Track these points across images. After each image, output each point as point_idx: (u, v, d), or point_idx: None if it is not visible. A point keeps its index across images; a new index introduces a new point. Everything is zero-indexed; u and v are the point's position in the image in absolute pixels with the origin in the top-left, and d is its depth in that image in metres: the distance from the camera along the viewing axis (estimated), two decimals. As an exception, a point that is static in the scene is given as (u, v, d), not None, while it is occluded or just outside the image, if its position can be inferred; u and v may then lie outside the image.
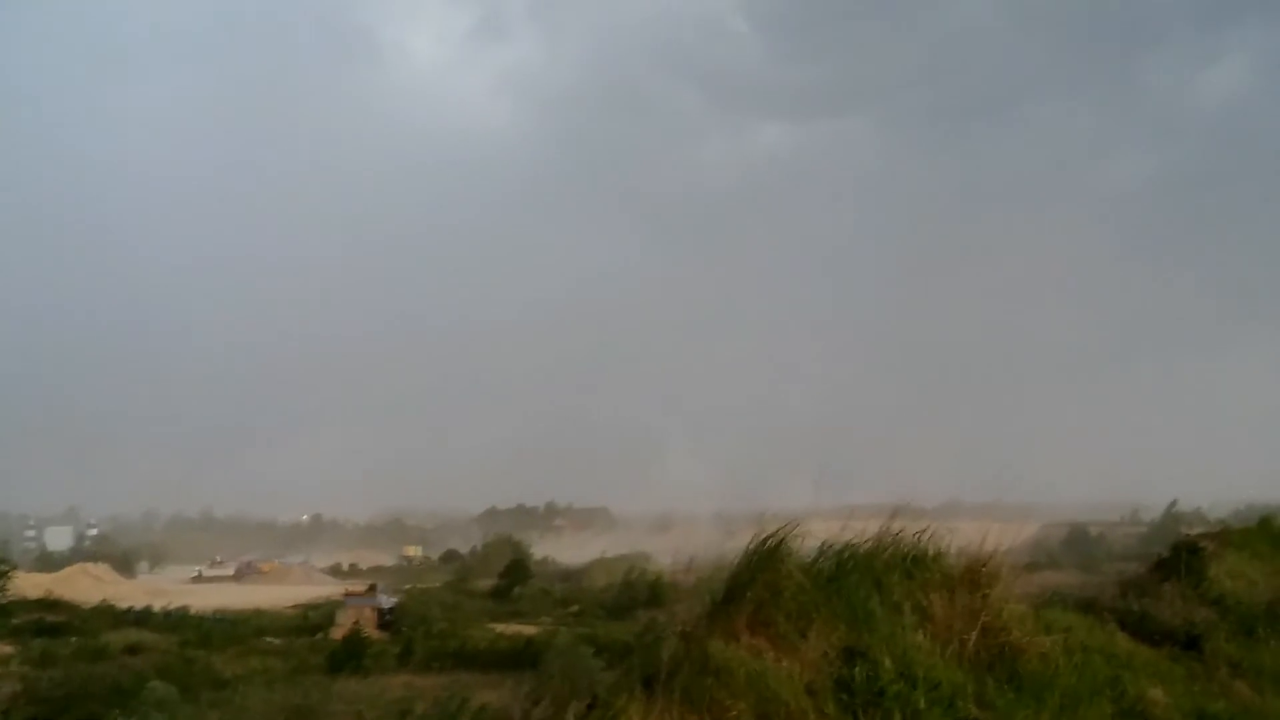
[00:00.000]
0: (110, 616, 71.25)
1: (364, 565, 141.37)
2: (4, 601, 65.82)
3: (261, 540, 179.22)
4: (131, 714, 33.68)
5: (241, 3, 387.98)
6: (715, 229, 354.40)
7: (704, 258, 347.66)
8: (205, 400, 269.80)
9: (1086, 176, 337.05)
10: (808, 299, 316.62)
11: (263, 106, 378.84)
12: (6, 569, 69.66)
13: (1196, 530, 20.86)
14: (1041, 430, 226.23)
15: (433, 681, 42.98)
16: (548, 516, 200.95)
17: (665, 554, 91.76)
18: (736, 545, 7.72)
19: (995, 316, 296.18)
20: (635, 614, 58.90)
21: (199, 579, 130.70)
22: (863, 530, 8.16)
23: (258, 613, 79.40)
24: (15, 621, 63.86)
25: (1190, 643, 10.93)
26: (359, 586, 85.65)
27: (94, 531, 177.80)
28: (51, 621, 65.08)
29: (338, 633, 58.89)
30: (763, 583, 7.30)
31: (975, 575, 8.24)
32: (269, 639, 62.25)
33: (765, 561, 7.40)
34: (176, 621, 69.91)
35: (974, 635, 7.69)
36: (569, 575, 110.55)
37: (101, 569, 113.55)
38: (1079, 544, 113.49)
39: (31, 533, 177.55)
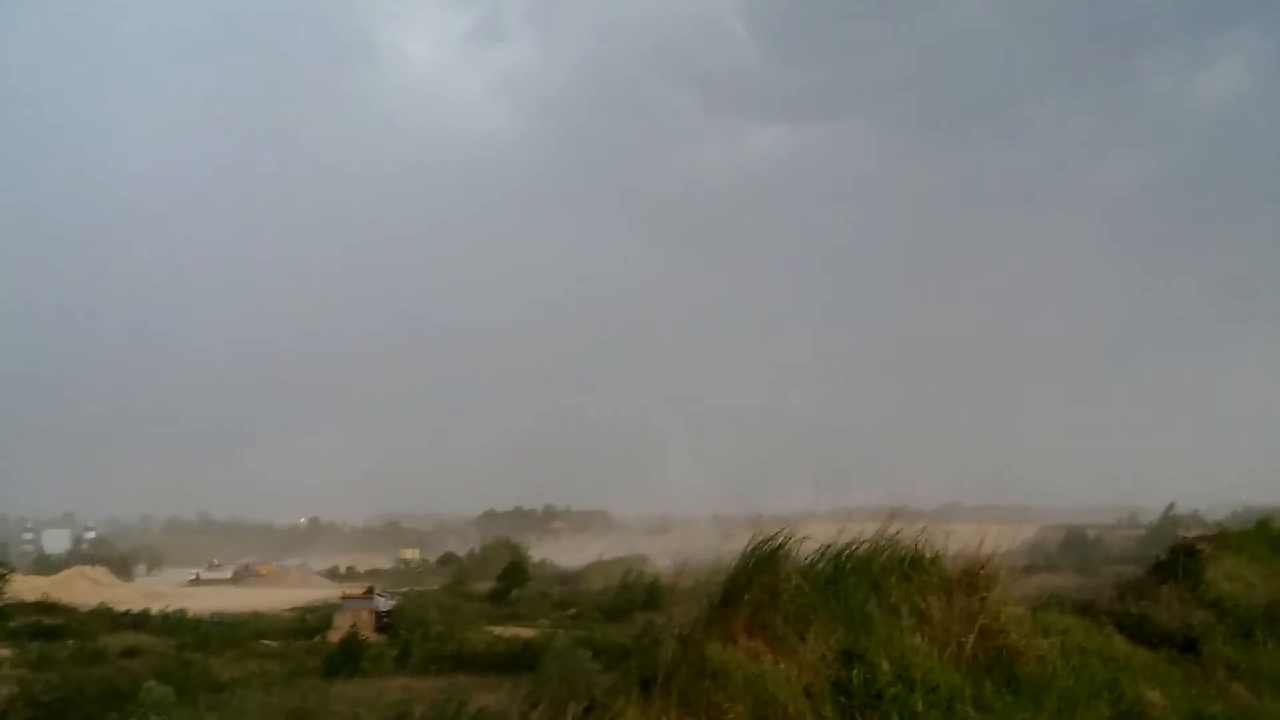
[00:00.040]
0: (108, 619, 71.07)
1: (361, 568, 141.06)
2: (1, 604, 65.75)
3: (259, 543, 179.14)
4: (128, 717, 33.64)
5: (240, 4, 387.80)
6: (713, 231, 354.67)
7: (702, 259, 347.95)
8: (203, 402, 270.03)
9: (1084, 178, 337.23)
10: (806, 301, 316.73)
11: (261, 108, 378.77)
12: (4, 572, 69.61)
13: (1194, 533, 20.88)
14: (1039, 432, 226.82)
15: (430, 684, 42.88)
16: (545, 519, 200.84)
17: (664, 556, 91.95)
18: (734, 547, 7.73)
19: (993, 318, 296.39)
20: (633, 616, 58.82)
21: (196, 582, 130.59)
22: (861, 532, 8.17)
23: (255, 615, 79.29)
24: (12, 624, 63.72)
25: (1188, 645, 10.94)
26: (356, 589, 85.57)
27: (91, 534, 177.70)
28: (49, 624, 64.94)
29: (335, 635, 58.78)
30: (760, 585, 7.30)
31: (973, 578, 8.25)
32: (266, 642, 62.14)
33: (763, 564, 7.41)
34: (174, 624, 69.82)
35: (972, 638, 7.70)
36: (567, 578, 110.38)
37: (99, 572, 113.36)
38: (1076, 546, 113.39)
39: (29, 535, 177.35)
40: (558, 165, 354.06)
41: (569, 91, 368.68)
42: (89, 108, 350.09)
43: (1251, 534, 16.16)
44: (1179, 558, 13.74)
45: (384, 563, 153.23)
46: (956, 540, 8.81)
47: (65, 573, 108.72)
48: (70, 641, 57.69)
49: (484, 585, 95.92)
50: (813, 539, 7.89)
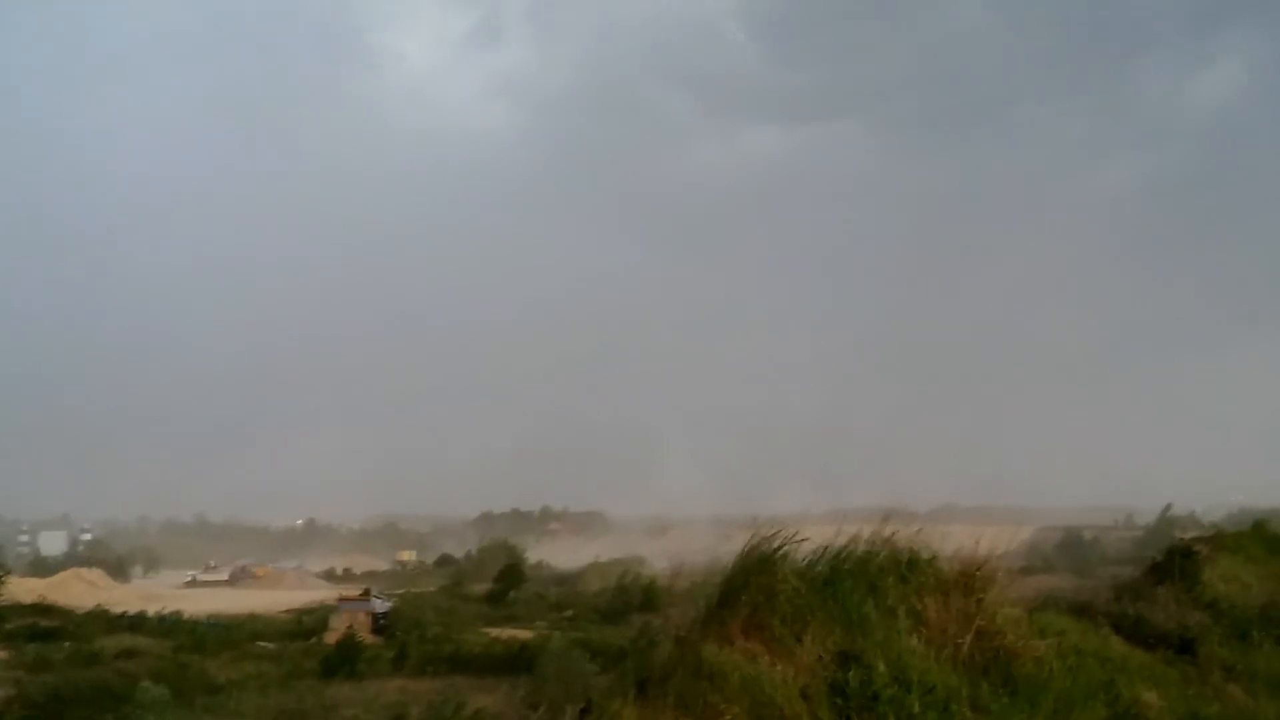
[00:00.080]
0: (104, 621, 70.95)
1: (358, 570, 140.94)
2: (-3, 606, 65.73)
3: (255, 545, 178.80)
4: (125, 718, 33.61)
5: (238, 5, 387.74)
6: (711, 231, 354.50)
7: (700, 260, 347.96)
8: (199, 404, 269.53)
9: (1082, 178, 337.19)
10: (804, 302, 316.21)
11: (259, 108, 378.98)
12: (0, 574, 69.50)
13: (1190, 534, 20.88)
14: (1037, 433, 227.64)
15: (427, 686, 42.85)
16: (542, 520, 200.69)
17: (661, 558, 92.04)
18: (732, 548, 7.73)
19: (991, 319, 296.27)
20: (629, 618, 58.78)
21: (193, 584, 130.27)
22: (858, 533, 8.17)
23: (252, 617, 79.20)
24: (8, 626, 63.64)
25: (1184, 646, 10.96)
26: (353, 591, 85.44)
27: (87, 536, 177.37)
28: (45, 626, 64.84)
29: (332, 637, 58.72)
30: (757, 587, 7.31)
31: (969, 579, 8.26)
32: (263, 644, 62.04)
33: (760, 565, 7.41)
34: (170, 626, 69.70)
35: (968, 639, 7.70)
36: (564, 579, 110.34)
37: (95, 574, 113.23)
38: (1073, 548, 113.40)
39: (25, 537, 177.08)
40: (555, 166, 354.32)
41: (567, 92, 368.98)
42: (88, 108, 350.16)
43: (1247, 535, 16.19)
44: (1175, 559, 13.76)
45: (381, 564, 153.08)
46: (953, 541, 8.82)
47: (61, 575, 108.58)
48: (66, 643, 57.59)
49: (481, 587, 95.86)
50: (810, 540, 7.89)
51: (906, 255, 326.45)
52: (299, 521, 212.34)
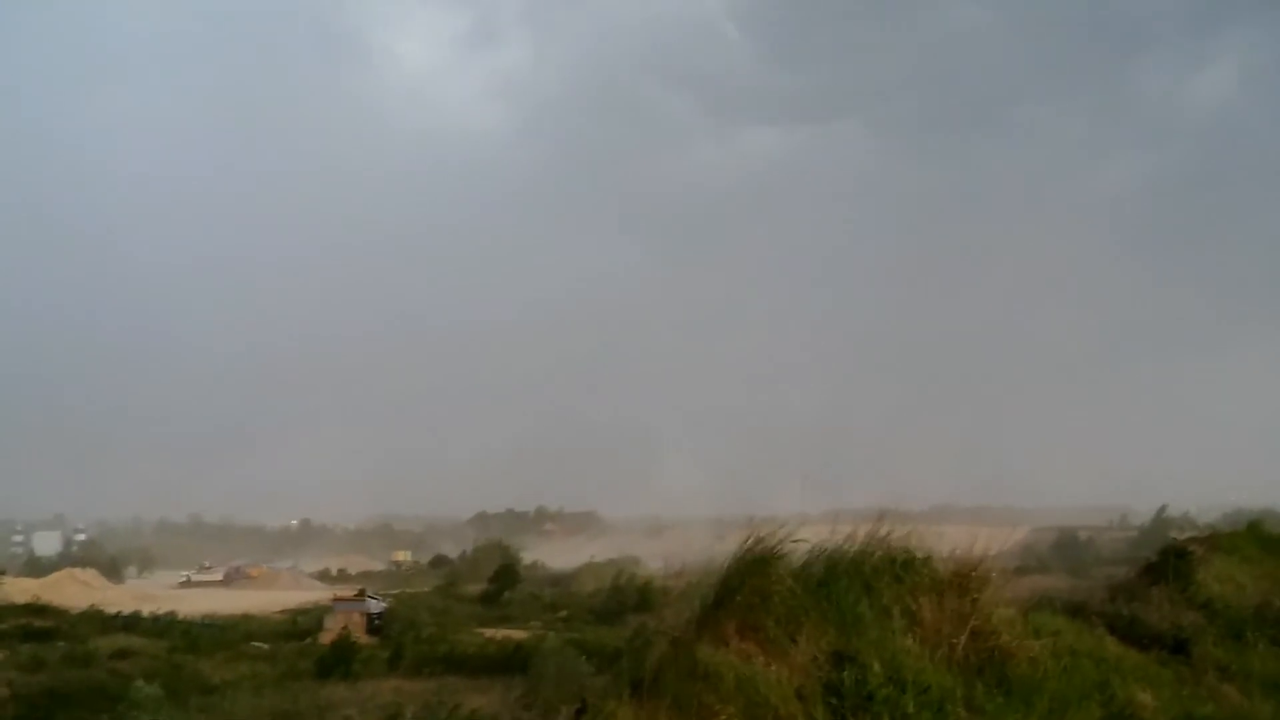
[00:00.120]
0: (98, 622, 70.88)
1: (353, 570, 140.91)
2: (-9, 606, 65.65)
3: (250, 545, 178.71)
4: (119, 719, 33.56)
5: (235, 6, 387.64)
6: (708, 232, 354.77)
7: (698, 261, 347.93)
8: (194, 404, 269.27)
9: (1081, 179, 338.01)
10: (801, 302, 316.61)
11: (257, 109, 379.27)
12: (-6, 574, 69.51)
13: (1185, 535, 20.91)
14: (1035, 434, 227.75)
15: (422, 686, 42.81)
16: (538, 521, 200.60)
17: (656, 558, 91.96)
18: (727, 549, 7.71)
19: (989, 319, 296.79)
20: (624, 619, 58.78)
21: (187, 584, 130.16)
22: (853, 534, 8.16)
23: (246, 618, 79.18)
24: (3, 627, 63.60)
25: (1179, 647, 10.95)
26: (348, 591, 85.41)
27: (82, 536, 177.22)
28: (39, 626, 64.76)
29: (326, 638, 58.67)
30: (752, 587, 7.30)
31: (964, 579, 8.25)
32: (257, 644, 62.00)
33: (755, 566, 7.40)
34: (165, 627, 69.66)
35: (963, 639, 7.70)
36: (558, 580, 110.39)
37: (89, 574, 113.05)
38: (1068, 548, 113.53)
39: (19, 537, 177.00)
40: (554, 166, 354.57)
41: (565, 93, 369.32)
42: (88, 108, 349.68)
43: (1242, 536, 16.19)
44: (1170, 559, 13.76)
45: (376, 565, 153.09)
46: (948, 542, 8.81)
47: (55, 575, 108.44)
48: (61, 644, 57.48)
49: (475, 587, 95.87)
50: (806, 540, 7.88)
51: (905, 255, 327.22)
52: (294, 522, 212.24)
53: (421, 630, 62.89)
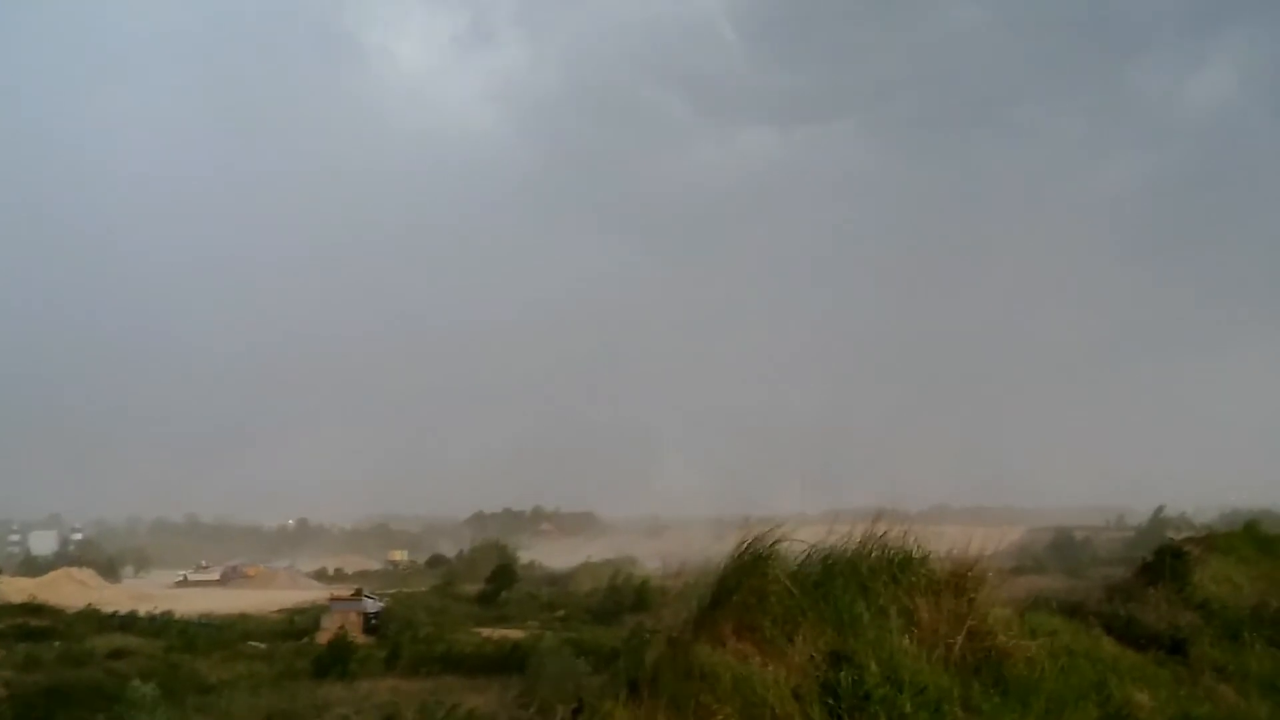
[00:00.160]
0: (95, 621, 70.91)
1: (350, 570, 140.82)
2: (-12, 606, 65.65)
3: (247, 545, 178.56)
4: (116, 718, 33.56)
5: (232, 6, 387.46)
6: (707, 232, 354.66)
7: (696, 261, 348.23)
8: (191, 404, 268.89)
9: (1080, 179, 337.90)
10: (800, 303, 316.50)
11: (255, 109, 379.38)
12: (-10, 573, 69.52)
13: (1182, 535, 20.92)
14: (1031, 434, 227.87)
15: (419, 686, 42.89)
16: (535, 521, 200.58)
17: (654, 558, 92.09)
18: (725, 549, 7.72)
19: (988, 319, 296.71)
20: (621, 618, 58.89)
21: (184, 583, 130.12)
22: (850, 534, 8.17)
23: (243, 617, 79.18)
24: (-1, 626, 63.66)
25: (1175, 647, 10.96)
26: (345, 591, 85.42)
27: (78, 536, 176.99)
28: (36, 626, 64.79)
29: (323, 637, 58.70)
30: (749, 587, 7.30)
31: (961, 580, 8.25)
32: (254, 644, 62.03)
33: (752, 566, 7.41)
34: (161, 626, 69.67)
35: (960, 639, 7.70)
36: (555, 579, 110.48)
37: (86, 573, 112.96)
38: (1064, 548, 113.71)
39: (15, 537, 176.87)
40: (551, 167, 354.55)
41: (562, 94, 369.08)
42: (86, 108, 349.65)
43: (1239, 536, 16.21)
44: (1166, 560, 13.77)
45: (372, 564, 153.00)
46: (945, 542, 8.81)
47: (52, 574, 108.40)
48: (57, 643, 57.52)
49: (473, 587, 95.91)
50: (803, 540, 7.88)
51: (904, 256, 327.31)
52: (291, 521, 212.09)
53: (418, 630, 62.94)
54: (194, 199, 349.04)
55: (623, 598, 70.60)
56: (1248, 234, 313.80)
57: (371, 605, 71.40)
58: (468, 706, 33.07)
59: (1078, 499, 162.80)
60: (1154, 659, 10.61)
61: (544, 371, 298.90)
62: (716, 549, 8.17)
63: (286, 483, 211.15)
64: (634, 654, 6.99)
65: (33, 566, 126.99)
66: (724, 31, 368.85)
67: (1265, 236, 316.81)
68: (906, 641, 7.46)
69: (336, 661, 48.64)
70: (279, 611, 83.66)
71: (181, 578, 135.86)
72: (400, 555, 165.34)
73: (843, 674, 6.87)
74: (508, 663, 45.27)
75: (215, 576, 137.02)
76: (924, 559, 8.37)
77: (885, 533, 8.25)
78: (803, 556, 7.85)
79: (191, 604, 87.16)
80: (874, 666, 6.95)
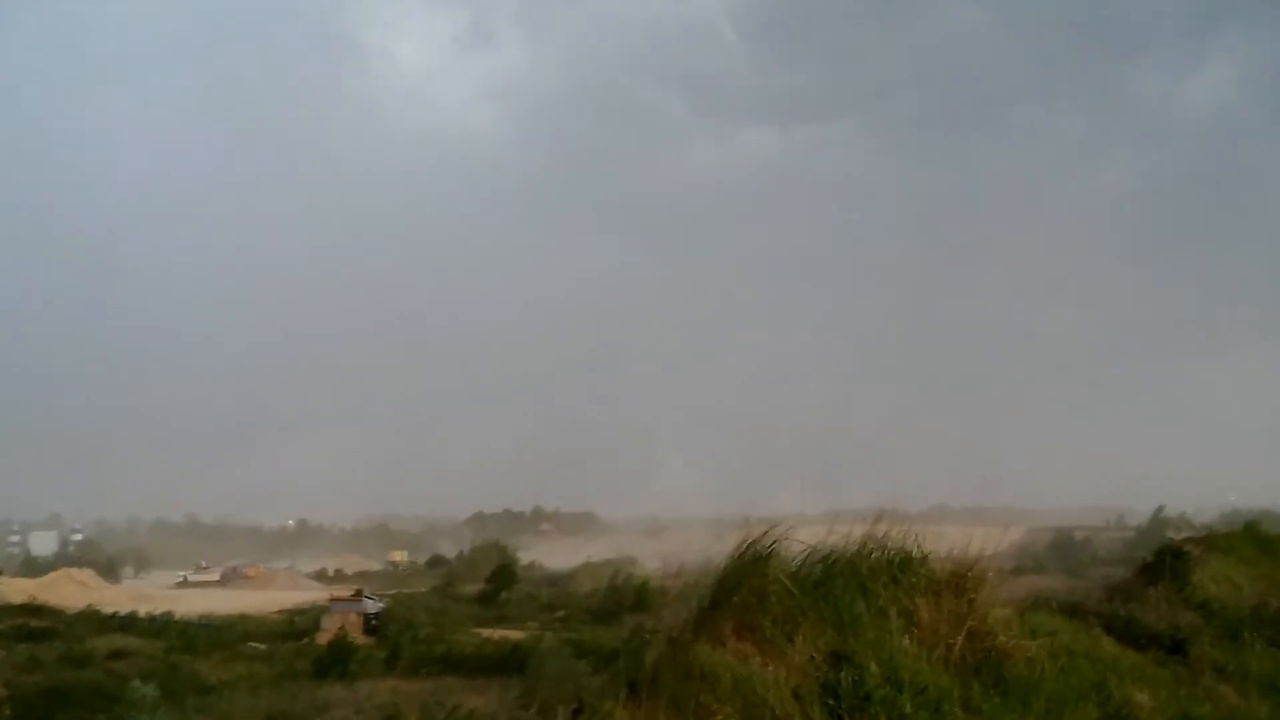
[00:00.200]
0: (95, 622, 70.92)
1: (350, 570, 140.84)
2: (-12, 607, 65.69)
3: (247, 545, 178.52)
4: (116, 719, 33.56)
5: (231, 6, 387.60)
6: (706, 233, 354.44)
7: (695, 261, 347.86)
8: (191, 404, 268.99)
9: (1079, 179, 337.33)
10: (800, 303, 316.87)
11: (255, 109, 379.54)
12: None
13: (1182, 535, 20.93)
14: (1031, 434, 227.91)
15: (419, 686, 42.88)
16: (534, 521, 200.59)
17: (654, 558, 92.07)
18: (725, 549, 7.72)
19: (988, 320, 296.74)
20: (621, 619, 58.87)
21: (184, 584, 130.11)
22: (850, 534, 8.17)
23: (243, 618, 79.21)
24: (-1, 627, 63.66)
25: (1175, 647, 10.96)
26: (345, 592, 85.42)
27: (78, 536, 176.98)
28: (36, 627, 64.79)
29: (323, 638, 58.69)
30: (749, 587, 7.30)
31: (961, 580, 8.25)
32: (254, 644, 62.02)
33: (752, 566, 7.41)
34: (161, 627, 69.70)
35: (960, 639, 7.70)
36: (555, 580, 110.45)
37: (86, 574, 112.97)
38: (1064, 549, 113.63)
39: (15, 537, 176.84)
40: (551, 167, 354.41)
41: (561, 94, 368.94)
42: (86, 108, 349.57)
43: (1239, 536, 16.21)
44: (1166, 560, 13.78)
45: (372, 565, 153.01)
46: (945, 542, 8.81)
47: (52, 575, 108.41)
48: (57, 644, 57.50)
49: (473, 587, 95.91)
50: (803, 541, 7.89)
51: (903, 256, 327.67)
52: (290, 522, 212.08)
53: (419, 630, 62.92)
54: (194, 199, 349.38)
55: (623, 598, 70.57)
56: (1247, 234, 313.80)
57: (371, 606, 71.40)
58: (468, 707, 33.01)
59: (1078, 499, 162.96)
60: (1154, 659, 10.61)
61: (544, 371, 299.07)
62: (716, 549, 8.16)
63: (286, 483, 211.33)
64: (634, 654, 6.98)
65: (33, 567, 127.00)
66: (724, 31, 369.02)
67: (1265, 236, 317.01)
68: (907, 642, 7.46)
69: (336, 662, 48.63)
70: (279, 612, 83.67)
71: (181, 578, 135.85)
72: (400, 556, 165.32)
73: (843, 674, 6.87)
74: (508, 663, 45.26)
75: (215, 577, 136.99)
76: (924, 559, 8.37)
77: (885, 533, 8.25)
78: (803, 557, 7.86)
79: (191, 605, 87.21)
80: (874, 667, 6.95)
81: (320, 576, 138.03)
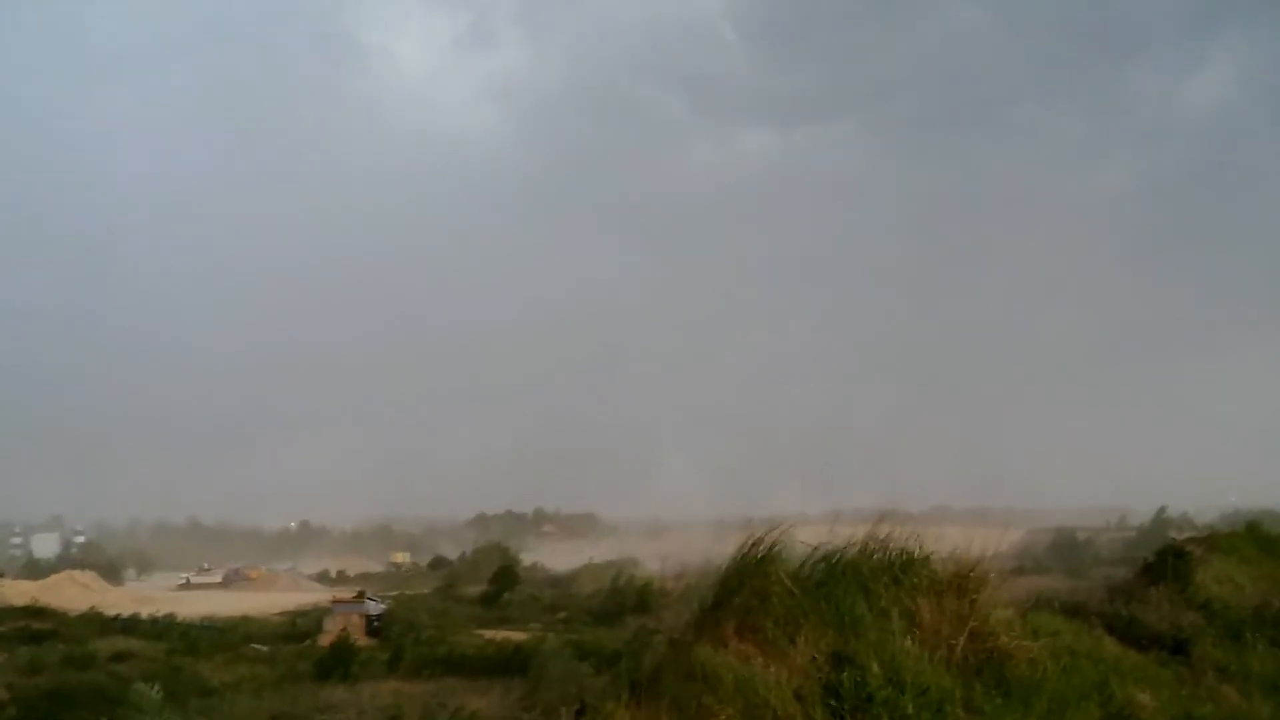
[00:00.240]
0: (97, 624, 71.01)
1: (352, 572, 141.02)
2: (-10, 609, 65.77)
3: (249, 547, 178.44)
4: (118, 721, 33.56)
5: (231, 7, 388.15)
6: (703, 234, 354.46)
7: (695, 262, 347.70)
8: (193, 405, 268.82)
9: (1079, 180, 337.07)
10: (800, 303, 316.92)
11: (255, 109, 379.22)
12: (-7, 577, 69.71)
13: (1184, 535, 20.94)
14: (1032, 435, 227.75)
15: (421, 688, 42.90)
16: (536, 522, 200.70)
17: (655, 559, 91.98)
18: (727, 550, 7.72)
19: (988, 320, 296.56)
20: (623, 620, 58.94)
21: (186, 586, 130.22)
22: (851, 535, 8.17)
23: (245, 620, 79.30)
24: (2, 629, 63.73)
25: (1178, 647, 10.95)
26: (347, 593, 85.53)
27: (81, 539, 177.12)
28: (38, 629, 64.87)
29: (325, 640, 58.73)
30: (751, 588, 7.31)
31: (963, 580, 8.25)
32: (256, 646, 62.07)
33: (754, 567, 7.41)
34: (164, 629, 69.78)
35: (962, 640, 7.70)
36: (557, 581, 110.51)
37: (88, 576, 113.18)
38: (1066, 549, 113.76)
39: (17, 540, 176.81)
40: (551, 167, 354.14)
41: (561, 94, 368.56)
42: (85, 109, 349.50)
43: (1240, 536, 16.20)
44: (1168, 560, 13.77)
45: (375, 566, 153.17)
46: (947, 543, 8.81)
47: (54, 577, 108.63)
48: (60, 646, 57.53)
49: (475, 589, 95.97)
50: (804, 541, 7.89)
51: (904, 256, 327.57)
52: (293, 524, 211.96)
53: (421, 632, 62.94)
54: (194, 199, 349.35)
55: (625, 599, 70.57)
56: (1247, 234, 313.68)
57: (374, 607, 71.45)
58: (470, 709, 33.03)
59: (1079, 499, 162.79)
60: (1156, 659, 10.61)
61: (544, 371, 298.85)
62: (718, 550, 8.17)
63: (288, 485, 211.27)
64: (636, 655, 7.00)
65: (35, 569, 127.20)
66: (724, 32, 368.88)
67: (1265, 237, 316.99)
68: (909, 642, 7.46)
69: (339, 664, 48.66)
70: (281, 614, 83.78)
71: (184, 580, 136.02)
72: (402, 557, 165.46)
73: (845, 675, 6.87)
74: (510, 665, 45.28)
75: (217, 579, 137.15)
76: (925, 560, 8.37)
77: (887, 533, 8.25)
78: (805, 557, 7.86)
79: (194, 606, 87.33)
80: (876, 668, 6.95)
81: (322, 578, 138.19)
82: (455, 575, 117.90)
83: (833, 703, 6.73)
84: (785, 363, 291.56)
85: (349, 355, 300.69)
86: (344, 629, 60.45)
